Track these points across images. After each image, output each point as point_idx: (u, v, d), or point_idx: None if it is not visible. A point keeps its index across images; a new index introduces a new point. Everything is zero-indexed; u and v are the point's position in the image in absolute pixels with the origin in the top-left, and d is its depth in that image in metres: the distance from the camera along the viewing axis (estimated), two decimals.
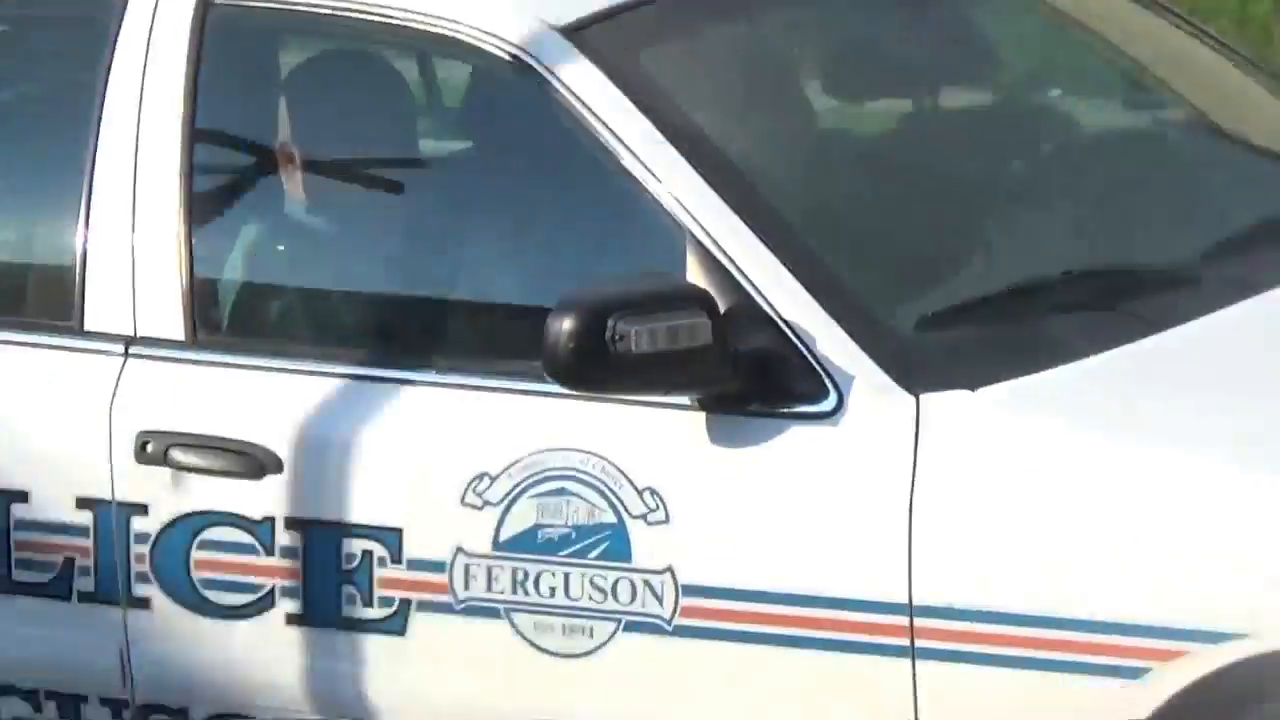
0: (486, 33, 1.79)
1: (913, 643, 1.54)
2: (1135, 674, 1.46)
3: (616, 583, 1.63)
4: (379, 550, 1.71)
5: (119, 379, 1.82)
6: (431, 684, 1.71)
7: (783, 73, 2.09)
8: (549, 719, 1.67)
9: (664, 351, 1.55)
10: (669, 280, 1.64)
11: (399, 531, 1.70)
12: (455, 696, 1.70)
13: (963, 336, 1.69)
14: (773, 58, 2.08)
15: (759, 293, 1.63)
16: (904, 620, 1.54)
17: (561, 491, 1.65)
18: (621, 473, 1.63)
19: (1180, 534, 1.48)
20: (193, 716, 1.80)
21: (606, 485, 1.63)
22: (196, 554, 1.77)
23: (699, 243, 1.66)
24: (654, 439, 1.65)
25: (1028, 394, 1.60)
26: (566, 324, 1.53)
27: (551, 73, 1.75)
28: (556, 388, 1.64)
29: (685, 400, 1.63)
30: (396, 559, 1.70)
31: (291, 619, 1.74)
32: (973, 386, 1.58)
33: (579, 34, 1.78)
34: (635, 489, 1.63)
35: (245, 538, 1.75)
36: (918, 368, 1.61)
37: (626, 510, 1.63)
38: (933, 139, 2.16)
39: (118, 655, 1.80)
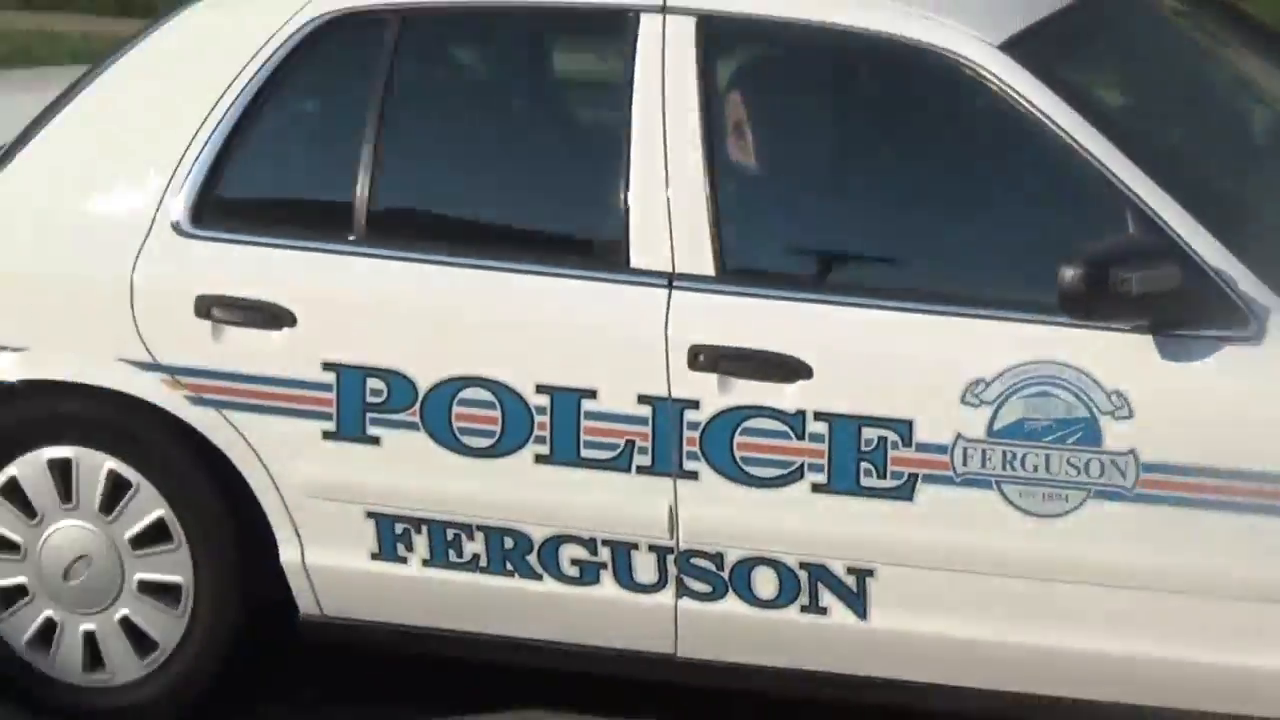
0: (946, 50, 2.31)
1: None
2: None
3: (1088, 462, 2.19)
4: (892, 436, 2.25)
5: (668, 306, 2.33)
6: (930, 535, 2.28)
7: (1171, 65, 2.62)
8: (1027, 566, 2.25)
9: (1150, 293, 2.09)
10: (1149, 241, 2.17)
11: (909, 422, 2.24)
12: (950, 546, 2.27)
13: None
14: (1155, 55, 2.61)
15: (1193, 251, 2.16)
16: None
17: (1045, 394, 2.20)
18: (1093, 380, 2.17)
19: None
20: (727, 560, 2.36)
21: (1081, 389, 2.18)
22: (739, 438, 2.30)
23: (1141, 212, 2.18)
24: (1119, 355, 2.18)
25: None
26: (1081, 271, 2.06)
27: (1000, 80, 2.28)
28: (1036, 315, 2.19)
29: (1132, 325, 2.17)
30: (907, 443, 2.25)
31: (817, 487, 2.29)
32: None
33: (1012, 49, 2.31)
34: (1104, 391, 2.17)
35: (780, 426, 2.29)
36: None
37: (1097, 408, 2.17)
38: None
39: (667, 513, 2.35)
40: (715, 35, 2.42)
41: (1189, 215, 2.19)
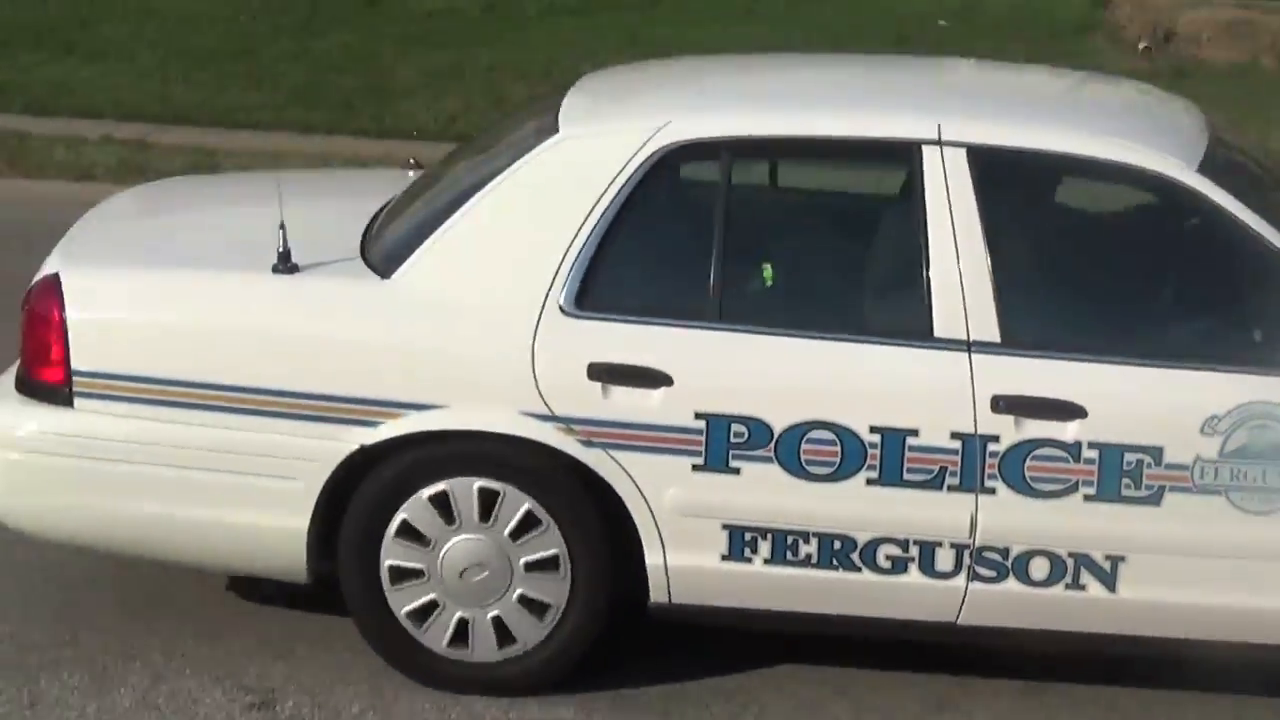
0: (1162, 174, 3.15)
1: None
2: None
3: None
4: (1147, 459, 3.01)
5: (970, 365, 3.04)
6: (1162, 527, 3.05)
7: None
8: (1244, 552, 3.04)
9: None
10: None
11: (1160, 449, 3.00)
12: (1182, 538, 3.05)
13: None
14: None
15: None
16: None
17: (1265, 427, 2.98)
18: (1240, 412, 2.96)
19: None
20: (1011, 553, 3.11)
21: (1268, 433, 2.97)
22: (1029, 463, 3.04)
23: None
24: None
25: None
26: None
27: (1199, 195, 3.10)
28: (1253, 368, 2.97)
29: None
30: (1158, 463, 3.01)
31: (1088, 498, 3.04)
32: None
33: (1203, 170, 3.12)
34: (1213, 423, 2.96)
35: (1061, 453, 3.03)
36: None
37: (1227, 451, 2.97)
38: None
39: (969, 520, 3.09)
40: (985, 159, 3.14)
41: None
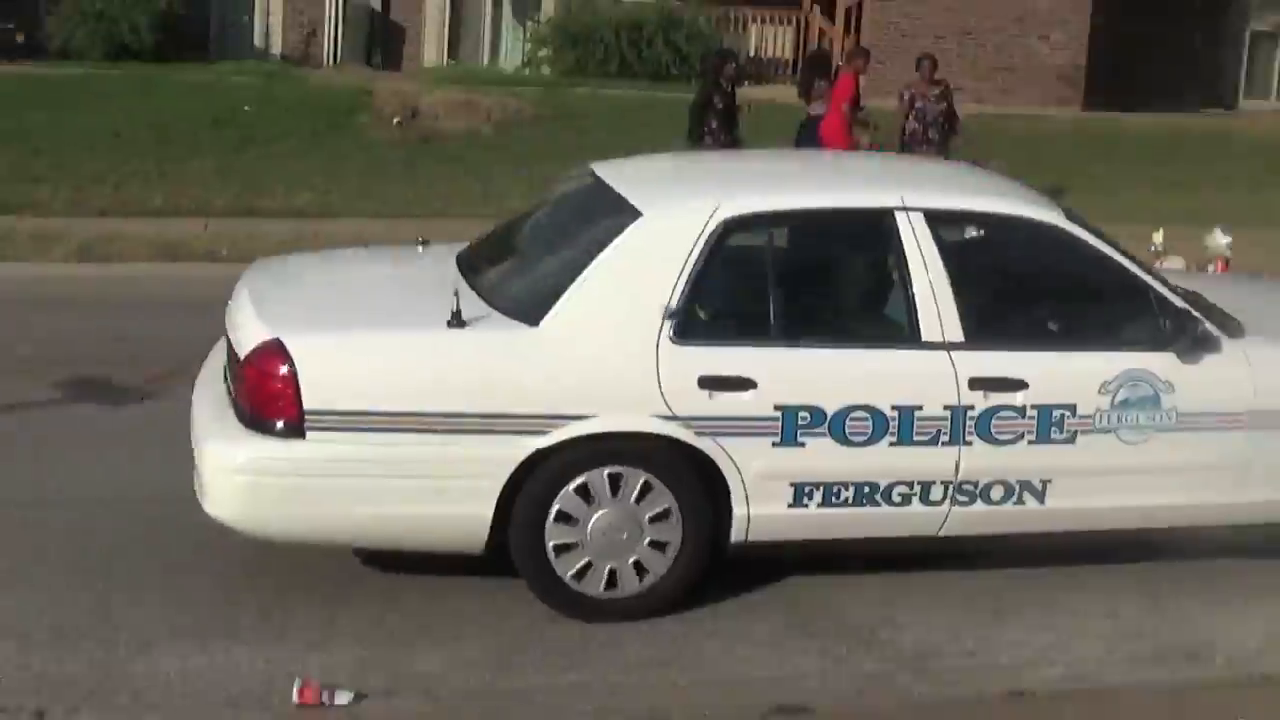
0: (1045, 222, 4.71)
1: None
2: None
3: (1158, 416, 4.61)
4: (1067, 412, 4.58)
5: (951, 361, 4.53)
6: (1076, 458, 4.63)
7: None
8: (1126, 469, 4.66)
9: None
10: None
11: (1075, 405, 4.58)
12: (1088, 464, 4.64)
13: None
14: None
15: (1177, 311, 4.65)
16: None
17: (1135, 385, 4.60)
18: (1157, 376, 4.59)
19: None
20: (980, 485, 4.62)
21: (1157, 381, 4.60)
22: (994, 422, 4.55)
23: (1156, 295, 4.65)
24: (1156, 364, 4.61)
25: None
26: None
27: (1073, 235, 4.67)
28: (1130, 348, 4.59)
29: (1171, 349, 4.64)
30: (1074, 415, 4.59)
31: (1030, 442, 4.59)
32: None
33: (1069, 218, 4.73)
34: (1161, 380, 4.60)
35: (1014, 414, 4.56)
36: None
37: (1161, 389, 4.60)
38: None
39: (954, 464, 4.58)
40: (935, 218, 4.67)
41: (1168, 290, 4.69)
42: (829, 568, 4.92)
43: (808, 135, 11.75)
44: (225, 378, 4.86)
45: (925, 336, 4.59)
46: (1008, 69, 18.82)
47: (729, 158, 6.91)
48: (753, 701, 4.13)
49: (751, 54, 19.67)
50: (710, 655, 4.43)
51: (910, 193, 4.77)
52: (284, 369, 4.35)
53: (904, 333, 4.63)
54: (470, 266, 5.08)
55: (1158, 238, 9.46)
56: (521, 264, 5.04)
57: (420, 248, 5.46)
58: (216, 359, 5.16)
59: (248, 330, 4.59)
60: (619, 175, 5.15)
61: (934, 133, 12.16)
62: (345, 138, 14.43)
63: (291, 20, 19.15)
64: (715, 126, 11.20)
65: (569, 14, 19.14)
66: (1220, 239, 9.60)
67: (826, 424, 4.50)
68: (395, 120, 14.83)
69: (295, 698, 3.97)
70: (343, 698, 4.01)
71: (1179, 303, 4.76)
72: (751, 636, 4.55)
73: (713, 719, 4.06)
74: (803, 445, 4.51)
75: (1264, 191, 13.35)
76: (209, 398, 4.84)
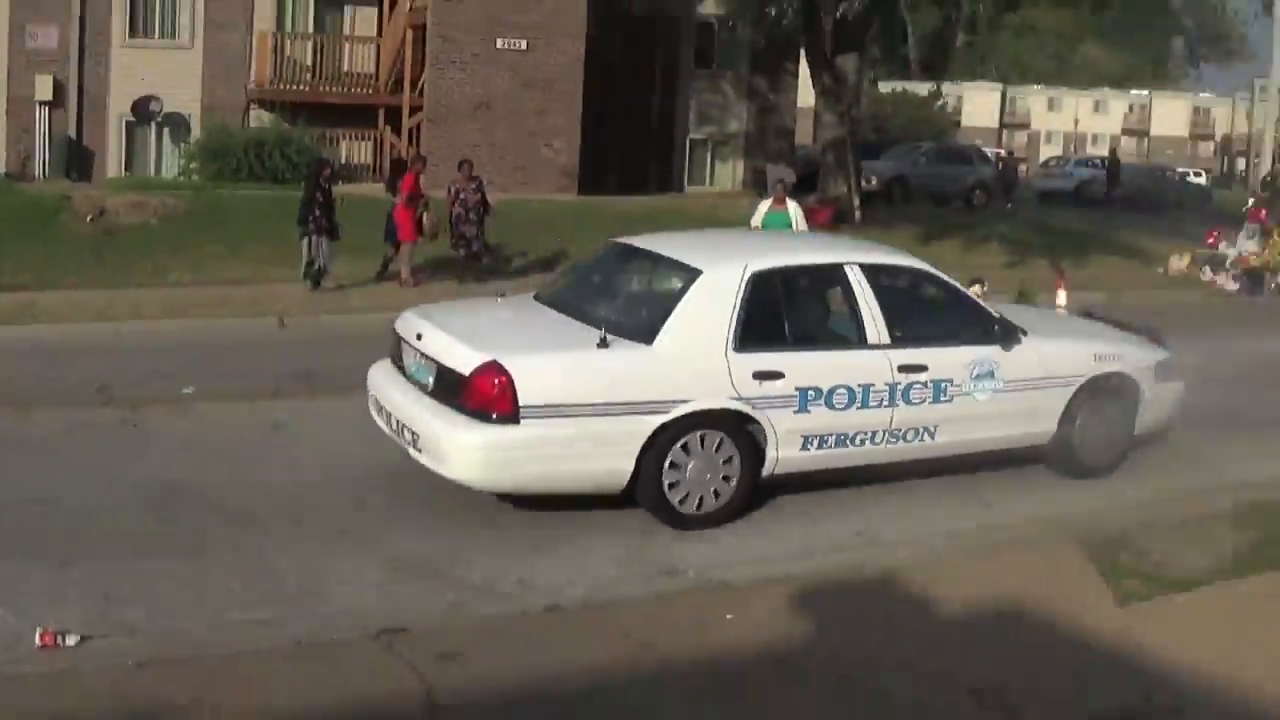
0: (925, 269, 8.01)
1: None
2: None
3: (994, 384, 7.84)
4: (948, 383, 7.72)
5: (889, 355, 7.56)
6: (954, 410, 7.78)
7: None
8: (978, 415, 7.86)
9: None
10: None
11: (952, 379, 7.74)
12: (960, 414, 7.81)
13: None
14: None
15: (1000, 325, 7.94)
16: None
17: (982, 364, 7.82)
18: (992, 360, 7.83)
19: None
20: (902, 430, 7.68)
21: (993, 363, 7.83)
22: (911, 393, 7.61)
23: (991, 315, 7.95)
24: (991, 353, 7.86)
25: None
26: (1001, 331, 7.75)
27: (939, 276, 7.99)
28: (978, 345, 7.82)
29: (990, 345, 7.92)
30: (953, 385, 7.74)
31: (929, 403, 7.68)
32: None
33: (859, 266, 8.06)
34: (995, 362, 7.85)
35: (922, 387, 7.64)
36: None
37: (995, 368, 7.84)
38: None
39: (890, 418, 7.60)
40: (866, 268, 7.72)
41: (992, 309, 7.98)
42: (421, 531, 6.97)
43: (390, 219, 16.39)
44: (422, 387, 7.18)
45: (870, 341, 7.59)
46: (524, 168, 25.18)
47: (726, 235, 10.27)
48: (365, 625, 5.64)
49: (343, 161, 25.63)
50: (337, 594, 6.12)
51: (850, 255, 7.80)
52: (502, 379, 6.75)
53: (859, 340, 7.61)
54: (560, 307, 7.62)
55: None
56: (616, 304, 7.65)
57: (500, 299, 7.92)
58: (381, 376, 7.53)
59: (461, 354, 6.97)
60: (661, 246, 7.88)
61: (473, 214, 16.54)
62: (53, 231, 18.19)
63: (12, 148, 25.25)
64: (318, 214, 15.13)
65: (210, 136, 24.86)
66: None
67: (823, 398, 7.40)
68: (89, 218, 18.70)
69: (38, 641, 5.33)
70: (72, 640, 5.31)
71: (999, 316, 8.02)
72: (364, 579, 6.33)
73: (338, 641, 5.52)
74: (809, 412, 7.39)
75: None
76: (410, 401, 7.16)
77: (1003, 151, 63.62)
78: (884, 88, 61.41)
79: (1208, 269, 21.25)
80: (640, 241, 8.27)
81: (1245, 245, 21.41)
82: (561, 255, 17.70)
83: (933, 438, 7.82)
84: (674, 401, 7.06)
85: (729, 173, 31.24)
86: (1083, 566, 6.71)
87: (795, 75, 31.19)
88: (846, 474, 7.79)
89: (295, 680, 5.08)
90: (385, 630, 5.51)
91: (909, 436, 7.74)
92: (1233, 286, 20.29)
